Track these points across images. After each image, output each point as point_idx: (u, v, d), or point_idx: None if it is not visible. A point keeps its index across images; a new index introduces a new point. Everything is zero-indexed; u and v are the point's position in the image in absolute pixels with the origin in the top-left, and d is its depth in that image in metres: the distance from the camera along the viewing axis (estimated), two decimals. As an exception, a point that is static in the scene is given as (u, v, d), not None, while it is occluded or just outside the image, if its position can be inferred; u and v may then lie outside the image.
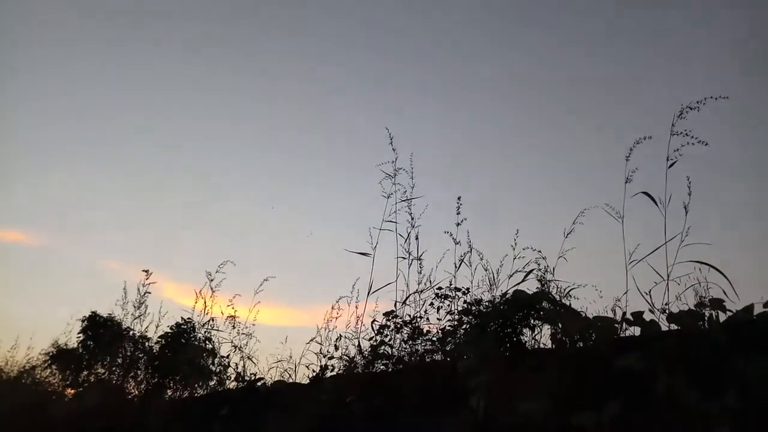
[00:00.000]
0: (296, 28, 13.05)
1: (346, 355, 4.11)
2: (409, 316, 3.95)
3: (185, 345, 5.30)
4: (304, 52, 12.91)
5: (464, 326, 3.59)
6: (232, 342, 5.03)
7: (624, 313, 3.05)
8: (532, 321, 3.29)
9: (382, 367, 3.86)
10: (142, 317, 5.83)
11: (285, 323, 6.47)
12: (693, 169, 3.09)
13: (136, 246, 11.33)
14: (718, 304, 2.76)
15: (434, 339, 3.78)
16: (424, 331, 3.86)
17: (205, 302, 5.33)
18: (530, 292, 3.40)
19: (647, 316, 2.94)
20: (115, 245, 11.76)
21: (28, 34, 12.77)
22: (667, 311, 2.90)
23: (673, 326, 2.81)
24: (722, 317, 2.75)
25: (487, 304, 3.59)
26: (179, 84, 13.17)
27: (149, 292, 5.88)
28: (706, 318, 2.76)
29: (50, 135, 13.46)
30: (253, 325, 5.02)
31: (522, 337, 3.29)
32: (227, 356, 5.13)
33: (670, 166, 3.13)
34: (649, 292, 3.03)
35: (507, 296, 3.49)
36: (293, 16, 12.93)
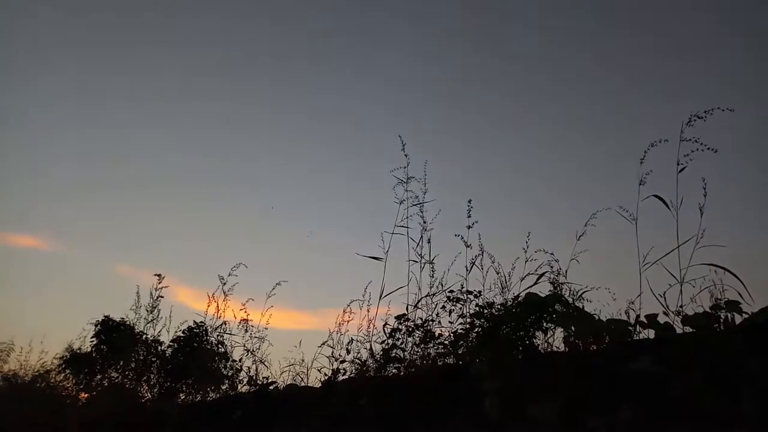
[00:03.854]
0: (307, 30, 13.10)
1: (358, 359, 4.10)
2: (421, 319, 3.95)
3: (198, 349, 5.32)
4: (314, 57, 12.95)
5: (476, 329, 3.57)
6: (244, 346, 5.04)
7: (638, 316, 3.04)
8: (544, 324, 3.28)
9: (394, 370, 3.85)
10: (155, 321, 5.86)
11: (297, 327, 6.48)
12: (705, 174, 3.10)
13: (149, 251, 11.40)
14: (733, 306, 2.73)
15: (446, 342, 3.77)
16: (436, 334, 3.84)
17: (217, 306, 5.35)
18: (543, 295, 3.38)
19: (661, 319, 2.91)
20: (129, 250, 11.83)
21: (37, 39, 12.91)
22: (681, 314, 2.87)
23: (688, 329, 2.79)
24: (738, 319, 2.72)
25: (499, 307, 3.58)
26: (191, 86, 13.24)
27: (162, 297, 5.90)
28: (721, 320, 2.73)
29: (64, 141, 13.59)
30: (266, 328, 5.03)
31: (534, 340, 3.27)
32: (240, 360, 5.15)
33: (681, 170, 3.14)
34: (663, 294, 3.01)
35: (519, 299, 3.47)
36: (305, 17, 12.98)
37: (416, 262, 4.12)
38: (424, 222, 4.19)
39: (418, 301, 4.00)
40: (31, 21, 12.76)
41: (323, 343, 4.33)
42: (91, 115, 13.40)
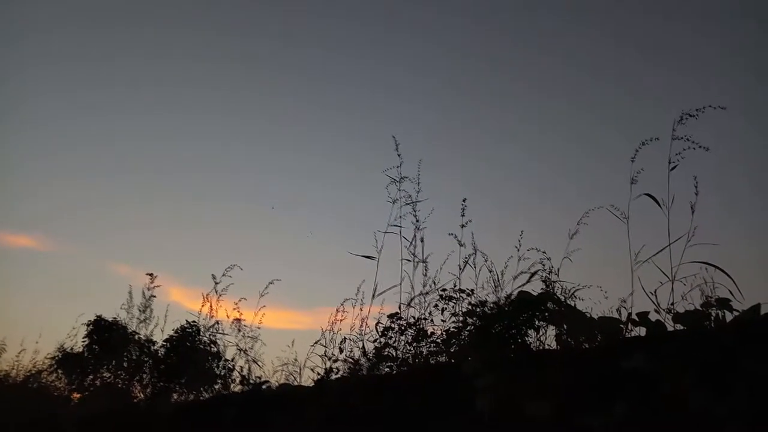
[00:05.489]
0: (307, 30, 13.09)
1: (351, 358, 4.10)
2: (414, 318, 3.95)
3: (190, 348, 5.30)
4: (313, 60, 12.95)
5: (469, 328, 3.57)
6: (237, 345, 5.03)
7: (629, 314, 3.04)
8: (537, 322, 3.28)
9: (386, 369, 3.85)
10: (147, 321, 5.84)
11: (290, 326, 6.47)
12: (697, 172, 3.11)
13: (142, 250, 11.35)
14: (724, 303, 2.74)
15: (439, 341, 3.77)
16: (429, 333, 3.85)
17: (210, 306, 5.33)
18: (535, 294, 3.39)
19: (653, 317, 2.92)
20: (122, 249, 11.78)
21: (32, 42, 12.85)
22: (672, 311, 2.88)
23: (679, 326, 2.79)
24: (729, 317, 2.73)
25: (491, 305, 3.58)
26: (189, 86, 13.21)
27: (154, 296, 5.89)
28: (712, 318, 2.74)
29: (58, 139, 13.53)
30: (259, 328, 5.02)
31: (527, 339, 3.27)
32: (232, 359, 5.14)
33: (672, 169, 3.15)
34: (655, 292, 3.01)
35: (512, 297, 3.48)
36: (306, 19, 12.97)
37: (409, 261, 4.13)
38: (417, 221, 4.20)
39: (411, 300, 4.01)
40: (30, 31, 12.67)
41: (316, 342, 4.33)
42: (87, 113, 13.35)
